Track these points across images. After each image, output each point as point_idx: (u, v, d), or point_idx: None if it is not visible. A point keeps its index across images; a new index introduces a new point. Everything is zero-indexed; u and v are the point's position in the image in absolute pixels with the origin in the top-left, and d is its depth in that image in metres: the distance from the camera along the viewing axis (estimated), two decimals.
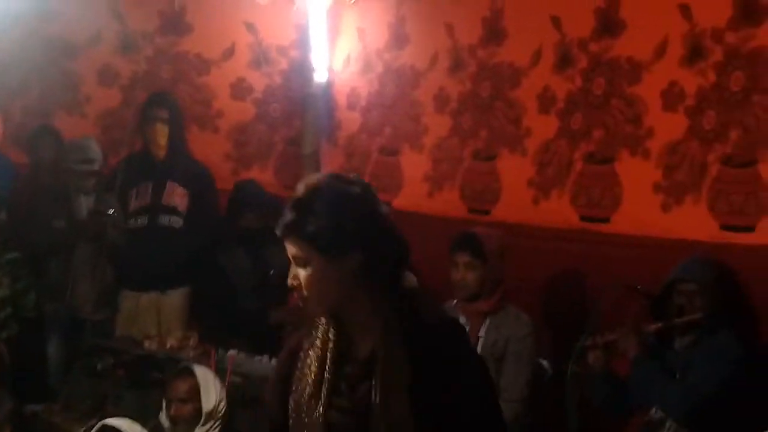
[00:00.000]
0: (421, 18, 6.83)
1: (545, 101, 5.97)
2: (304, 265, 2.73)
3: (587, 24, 5.73)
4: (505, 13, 6.27)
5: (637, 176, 5.44)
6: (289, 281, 2.79)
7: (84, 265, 6.65)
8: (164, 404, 4.97)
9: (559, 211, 5.82)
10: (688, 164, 5.18)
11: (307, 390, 2.78)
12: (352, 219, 2.70)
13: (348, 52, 7.34)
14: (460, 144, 6.49)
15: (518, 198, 6.06)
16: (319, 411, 2.76)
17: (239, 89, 7.72)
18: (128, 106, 7.56)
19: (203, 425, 4.87)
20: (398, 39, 6.97)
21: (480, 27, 6.39)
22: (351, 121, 7.31)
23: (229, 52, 7.70)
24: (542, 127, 5.98)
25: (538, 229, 5.87)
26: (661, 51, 5.34)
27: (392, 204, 6.56)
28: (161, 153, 6.68)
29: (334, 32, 7.37)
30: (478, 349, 4.94)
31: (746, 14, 4.96)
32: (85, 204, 6.69)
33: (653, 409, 4.53)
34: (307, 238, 2.70)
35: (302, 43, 7.52)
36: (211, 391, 4.92)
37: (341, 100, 7.39)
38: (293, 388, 2.84)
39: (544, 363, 5.34)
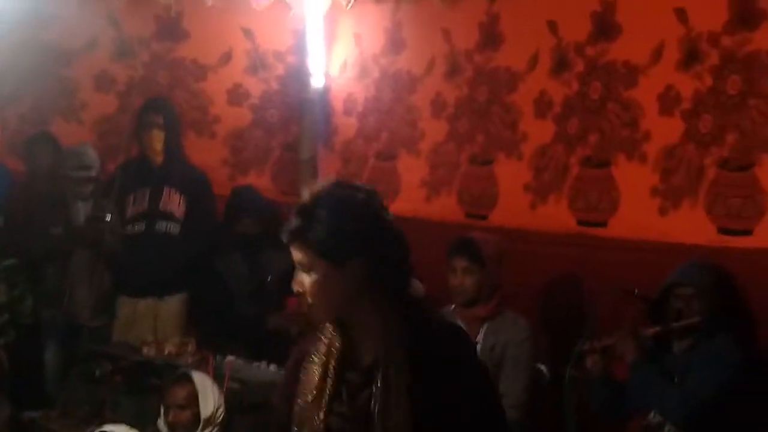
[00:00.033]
0: (418, 23, 6.84)
1: (542, 106, 5.97)
2: (308, 271, 2.74)
3: (583, 28, 5.74)
4: (501, 18, 6.27)
5: (634, 180, 5.44)
6: (294, 287, 2.79)
7: (81, 271, 6.65)
8: (162, 410, 4.97)
9: (556, 215, 5.82)
10: (685, 168, 5.19)
11: (309, 396, 2.79)
12: (355, 225, 2.72)
13: (345, 58, 7.34)
14: (456, 149, 6.49)
15: (515, 203, 6.06)
16: (319, 417, 2.76)
17: (236, 95, 7.72)
18: (125, 112, 7.54)
19: (201, 431, 4.87)
20: (395, 44, 6.97)
21: (476, 32, 6.40)
22: (348, 126, 7.31)
23: (226, 58, 7.69)
24: (539, 132, 5.98)
25: (535, 233, 5.87)
26: (657, 55, 5.35)
27: (389, 209, 6.55)
28: (158, 159, 6.67)
29: (330, 38, 7.37)
30: None
31: (742, 18, 4.97)
32: (82, 210, 6.68)
33: (651, 413, 4.52)
34: (310, 244, 2.72)
35: (299, 49, 7.53)
36: (209, 398, 4.92)
37: (338, 105, 7.39)
38: (298, 395, 2.84)
39: (542, 368, 5.34)
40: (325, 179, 2.85)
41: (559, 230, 5.77)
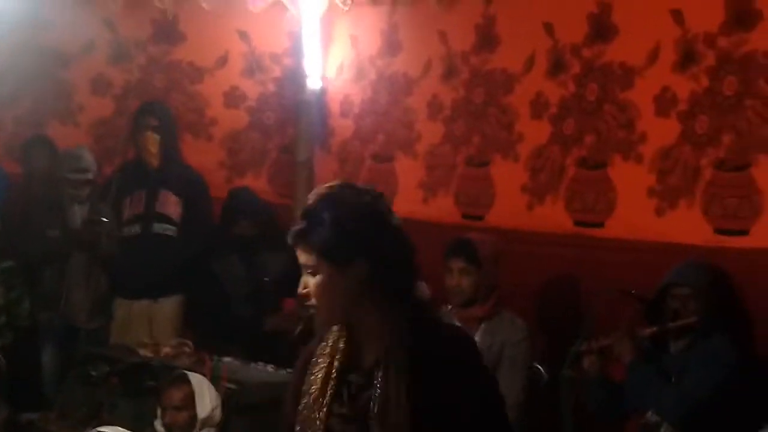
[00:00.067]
0: (414, 25, 6.84)
1: (538, 107, 5.98)
2: (313, 273, 2.75)
3: (580, 30, 5.74)
4: (497, 20, 6.27)
5: (630, 181, 5.45)
6: (299, 289, 2.80)
7: (78, 273, 6.65)
8: (159, 412, 4.97)
9: (553, 216, 5.82)
10: (682, 169, 5.19)
11: (311, 397, 2.80)
12: (358, 228, 2.72)
13: (341, 60, 7.34)
14: (452, 150, 6.49)
15: (512, 203, 6.06)
16: (320, 418, 2.77)
17: (233, 97, 7.71)
18: (121, 115, 7.54)
19: None
20: (391, 46, 6.97)
21: (473, 34, 6.40)
22: (344, 128, 7.31)
23: (223, 61, 7.69)
24: (535, 133, 5.99)
25: (532, 234, 5.87)
26: (653, 56, 5.35)
27: None
28: (154, 161, 6.67)
29: (327, 40, 7.37)
30: None
31: (738, 19, 4.98)
32: (79, 213, 6.68)
33: (649, 413, 4.53)
34: (314, 246, 2.73)
35: (295, 51, 7.52)
36: (206, 399, 4.92)
37: (334, 107, 7.38)
38: (303, 395, 2.85)
39: (540, 368, 5.34)
40: (332, 181, 2.85)
41: (556, 231, 5.77)
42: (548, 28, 5.92)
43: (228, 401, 5.06)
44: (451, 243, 5.30)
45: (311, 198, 2.78)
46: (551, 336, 5.57)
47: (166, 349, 5.81)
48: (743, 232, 4.92)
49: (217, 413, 4.93)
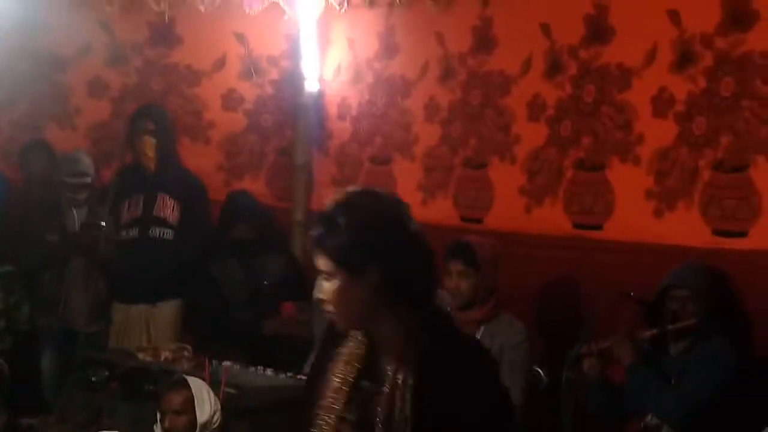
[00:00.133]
0: (411, 27, 6.83)
1: (535, 109, 5.98)
2: (328, 279, 2.75)
3: (577, 31, 5.74)
4: (494, 22, 6.27)
5: (628, 183, 5.45)
6: (315, 294, 2.80)
7: (77, 277, 6.66)
8: (159, 416, 4.96)
9: (551, 218, 5.82)
10: (679, 170, 5.19)
11: (326, 401, 2.80)
12: (373, 235, 2.71)
13: (338, 62, 7.33)
14: (450, 152, 6.49)
15: (510, 206, 6.06)
16: (330, 423, 2.77)
17: (230, 100, 7.71)
18: (119, 118, 7.53)
19: None
20: (388, 48, 6.97)
21: (470, 36, 6.40)
22: (342, 130, 7.30)
23: (220, 63, 7.68)
24: (532, 135, 5.99)
25: (531, 236, 5.87)
26: (650, 57, 5.35)
27: None
28: (151, 165, 6.65)
29: (324, 42, 7.36)
30: None
31: (735, 19, 4.98)
32: (77, 217, 6.69)
33: (649, 416, 4.53)
34: (329, 252, 2.72)
35: (293, 53, 7.51)
36: (206, 403, 4.91)
37: (332, 109, 7.38)
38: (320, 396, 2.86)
39: (539, 370, 5.34)
40: (353, 186, 2.85)
41: (554, 233, 5.77)
42: (545, 29, 5.92)
43: (227, 405, 5.05)
44: (449, 246, 5.30)
45: (329, 203, 2.77)
46: (550, 338, 5.57)
47: (166, 354, 5.80)
48: (742, 234, 4.92)
49: (217, 417, 4.92)
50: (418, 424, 2.68)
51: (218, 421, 4.93)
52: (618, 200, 5.51)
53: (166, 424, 4.90)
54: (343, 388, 2.79)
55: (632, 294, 4.80)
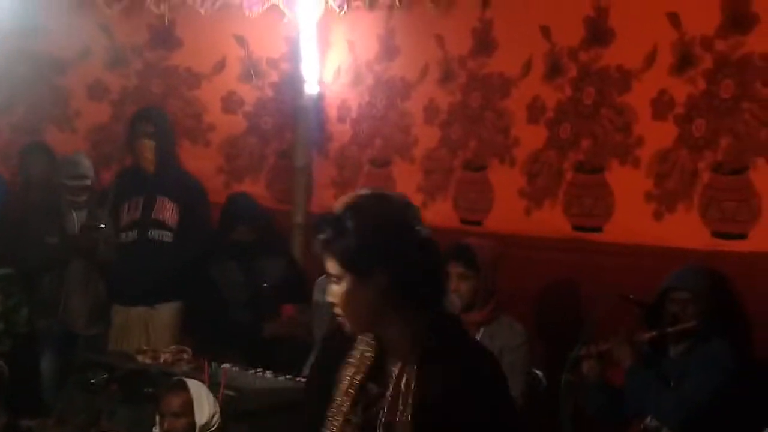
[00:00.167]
0: (411, 30, 6.83)
1: (534, 111, 5.98)
2: (337, 282, 2.75)
3: (577, 33, 5.74)
4: (494, 24, 6.27)
5: (628, 185, 5.45)
6: (327, 297, 2.81)
7: (77, 280, 6.65)
8: (158, 419, 4.96)
9: (551, 220, 5.82)
10: (679, 172, 5.19)
11: (334, 401, 2.81)
12: (380, 238, 2.71)
13: (338, 64, 7.33)
14: (449, 155, 6.49)
15: (510, 208, 6.06)
16: (335, 426, 2.78)
17: (230, 102, 7.71)
18: (118, 121, 7.52)
19: None
20: (388, 51, 6.97)
21: (470, 38, 6.40)
22: (342, 133, 7.30)
23: (220, 66, 7.68)
24: (531, 137, 5.99)
25: (530, 239, 5.87)
26: (650, 59, 5.35)
27: None
28: (151, 167, 6.65)
29: (324, 44, 7.37)
30: None
31: (735, 22, 4.98)
32: (77, 219, 6.68)
33: (648, 418, 4.52)
34: (337, 255, 2.72)
35: (293, 56, 7.52)
36: (205, 405, 4.91)
37: (332, 112, 7.38)
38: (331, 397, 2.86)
39: (539, 373, 5.34)
40: (364, 189, 2.84)
41: (554, 235, 5.77)
42: (545, 31, 5.92)
43: (226, 408, 5.05)
44: (449, 248, 5.28)
45: (338, 205, 2.77)
46: (550, 341, 5.57)
47: (165, 356, 5.80)
48: (741, 236, 4.92)
49: (216, 420, 4.91)
50: (419, 427, 2.67)
51: (217, 424, 4.92)
52: (618, 202, 5.51)
53: (165, 426, 4.89)
54: (350, 390, 2.80)
55: (632, 296, 4.80)
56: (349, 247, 2.70)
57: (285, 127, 7.67)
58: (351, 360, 2.84)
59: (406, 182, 6.68)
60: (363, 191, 2.82)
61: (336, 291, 2.76)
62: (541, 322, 5.68)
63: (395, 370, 2.74)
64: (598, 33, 5.63)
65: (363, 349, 2.84)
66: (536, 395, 5.24)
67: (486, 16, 6.30)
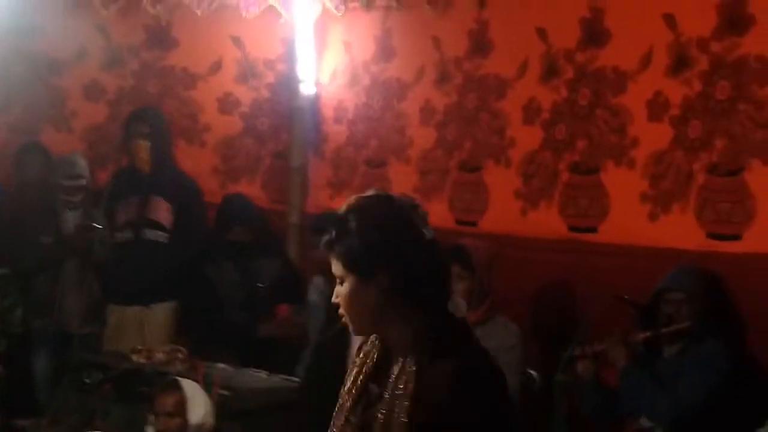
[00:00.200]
0: (408, 31, 6.84)
1: (530, 112, 5.98)
2: (341, 283, 2.75)
3: (573, 35, 5.75)
4: (490, 26, 6.28)
5: (623, 186, 5.45)
6: (333, 298, 2.80)
7: (72, 280, 6.64)
8: (152, 418, 4.95)
9: (547, 221, 5.83)
10: (674, 173, 5.20)
11: (339, 401, 2.82)
12: (382, 240, 2.69)
13: (335, 66, 7.34)
14: (445, 156, 6.49)
15: (506, 209, 6.06)
16: (336, 426, 2.79)
17: (226, 103, 7.71)
18: (115, 121, 7.52)
19: None
20: (385, 52, 6.97)
21: (466, 39, 6.40)
22: (338, 133, 7.31)
23: (216, 66, 7.69)
24: (527, 138, 5.99)
25: (526, 239, 5.88)
26: (646, 61, 5.36)
27: None
28: (146, 168, 6.65)
29: (320, 45, 7.37)
30: None
31: (731, 23, 4.99)
32: (72, 219, 6.67)
33: (643, 418, 4.53)
34: (340, 256, 2.72)
35: (289, 57, 7.52)
36: (198, 405, 4.91)
37: (328, 113, 7.38)
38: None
39: (533, 373, 5.34)
40: (371, 190, 2.83)
41: (549, 236, 5.78)
42: (541, 33, 5.92)
43: (221, 407, 5.05)
44: (444, 249, 5.28)
45: (343, 206, 2.76)
46: (545, 341, 5.57)
47: (159, 356, 5.80)
48: (736, 237, 4.93)
49: (210, 419, 4.91)
50: (416, 428, 2.67)
51: (211, 423, 4.92)
52: (613, 203, 5.52)
53: (159, 426, 4.90)
54: (353, 390, 2.80)
55: (627, 297, 4.80)
56: (352, 247, 2.70)
57: (281, 127, 7.68)
58: (356, 360, 2.85)
59: (402, 183, 6.68)
60: (369, 192, 2.81)
61: (340, 292, 2.76)
62: (536, 323, 5.68)
63: (395, 371, 2.74)
64: (593, 34, 5.64)
65: (368, 350, 2.84)
66: (531, 395, 5.24)
67: (482, 17, 6.30)
